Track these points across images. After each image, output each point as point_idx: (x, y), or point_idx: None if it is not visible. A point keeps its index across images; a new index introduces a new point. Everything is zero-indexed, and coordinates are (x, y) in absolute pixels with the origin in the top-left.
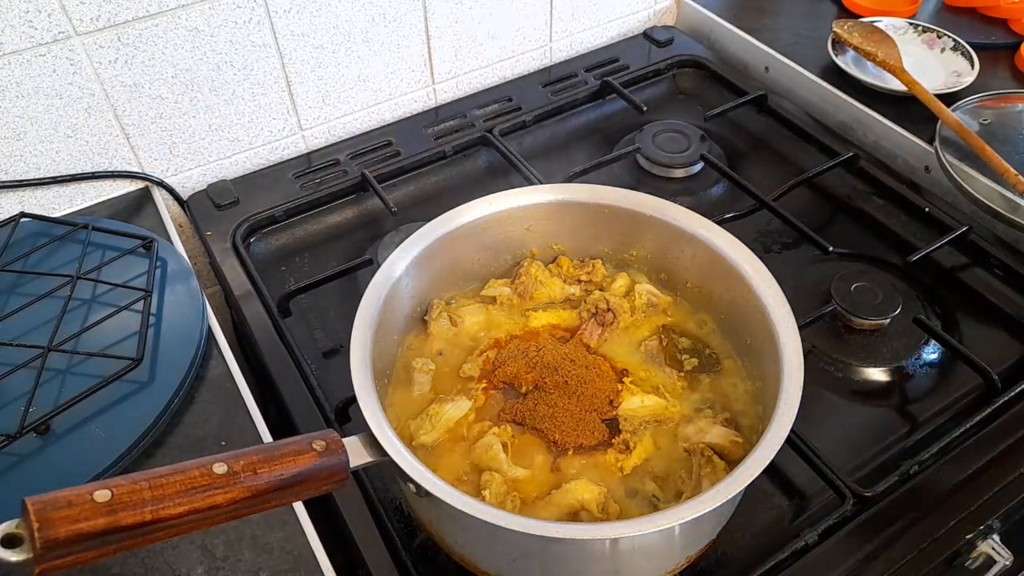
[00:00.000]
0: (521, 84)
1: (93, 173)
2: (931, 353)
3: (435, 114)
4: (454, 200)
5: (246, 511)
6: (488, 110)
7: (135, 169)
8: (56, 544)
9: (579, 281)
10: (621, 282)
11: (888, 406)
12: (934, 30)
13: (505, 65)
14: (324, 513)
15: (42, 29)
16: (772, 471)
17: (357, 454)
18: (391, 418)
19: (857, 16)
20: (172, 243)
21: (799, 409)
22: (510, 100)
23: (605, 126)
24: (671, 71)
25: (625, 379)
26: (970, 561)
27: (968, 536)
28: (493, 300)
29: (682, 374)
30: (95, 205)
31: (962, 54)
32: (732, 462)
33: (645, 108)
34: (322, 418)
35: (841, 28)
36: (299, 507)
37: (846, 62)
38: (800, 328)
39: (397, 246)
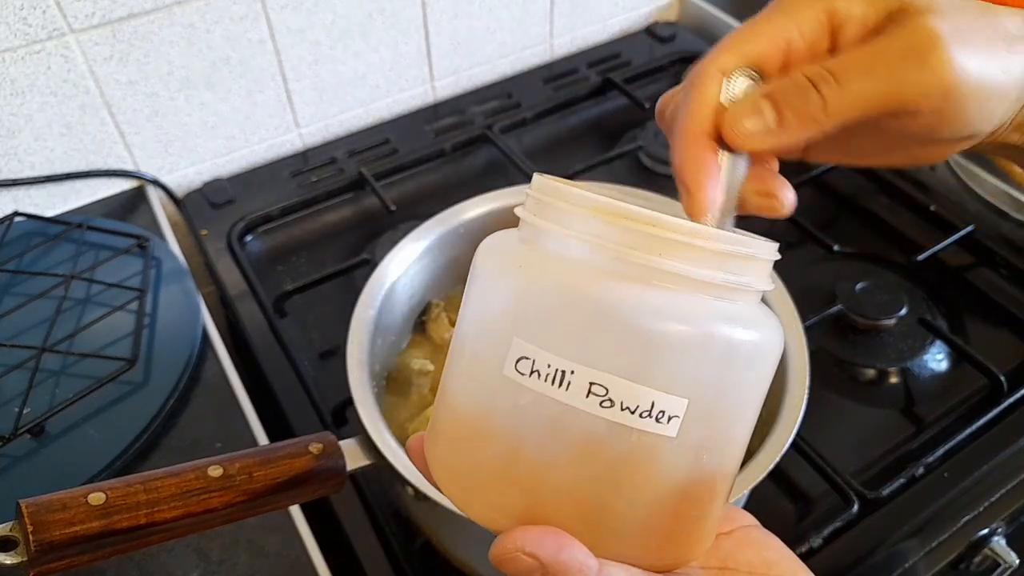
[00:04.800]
0: (521, 80)
1: (87, 172)
2: (937, 354)
3: (434, 111)
4: (453, 198)
5: (241, 514)
6: (488, 107)
7: (130, 167)
8: (51, 547)
9: None
10: None
11: (893, 407)
12: None
13: (505, 61)
14: (321, 517)
15: (36, 26)
16: (776, 474)
17: (354, 457)
18: (389, 420)
19: None
20: (167, 242)
21: (803, 411)
22: (510, 96)
23: (607, 123)
24: (674, 67)
25: None
26: (975, 564)
27: (974, 539)
28: None
29: None
30: (90, 204)
31: None
32: None
33: (647, 105)
34: (318, 420)
35: None
36: (296, 511)
37: None
38: (805, 328)
39: (395, 245)
